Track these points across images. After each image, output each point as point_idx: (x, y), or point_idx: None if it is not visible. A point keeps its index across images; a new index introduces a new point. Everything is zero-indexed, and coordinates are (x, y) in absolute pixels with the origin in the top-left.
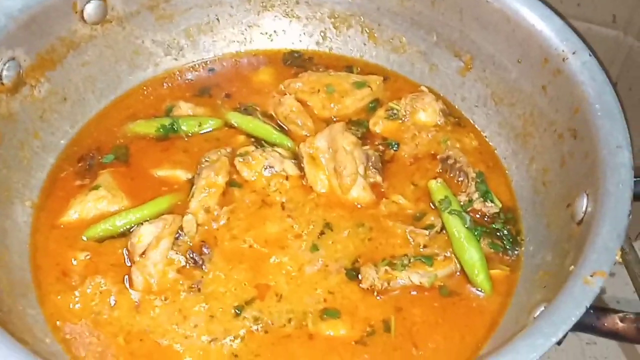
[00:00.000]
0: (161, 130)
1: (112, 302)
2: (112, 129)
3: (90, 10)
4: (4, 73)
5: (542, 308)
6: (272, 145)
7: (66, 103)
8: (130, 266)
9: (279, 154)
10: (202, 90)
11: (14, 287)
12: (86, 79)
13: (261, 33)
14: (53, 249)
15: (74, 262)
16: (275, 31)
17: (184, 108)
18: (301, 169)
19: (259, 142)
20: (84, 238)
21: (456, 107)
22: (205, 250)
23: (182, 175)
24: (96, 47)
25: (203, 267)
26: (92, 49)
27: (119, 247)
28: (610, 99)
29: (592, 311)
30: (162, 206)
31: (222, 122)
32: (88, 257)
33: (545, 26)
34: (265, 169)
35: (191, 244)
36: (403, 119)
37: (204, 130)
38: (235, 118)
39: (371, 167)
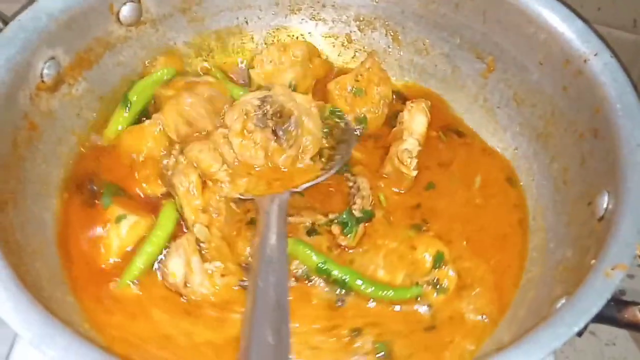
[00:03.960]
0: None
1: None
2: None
3: (126, 12)
4: (45, 71)
5: (564, 300)
6: None
7: (102, 102)
8: (181, 296)
9: None
10: None
11: (53, 275)
12: (121, 78)
13: (288, 35)
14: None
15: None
16: (301, 34)
17: None
18: None
19: None
20: (121, 285)
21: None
22: None
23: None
24: (131, 47)
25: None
26: (127, 50)
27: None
28: (632, 99)
29: (612, 303)
30: (171, 222)
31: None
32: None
33: (566, 28)
34: None
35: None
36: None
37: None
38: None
39: None
